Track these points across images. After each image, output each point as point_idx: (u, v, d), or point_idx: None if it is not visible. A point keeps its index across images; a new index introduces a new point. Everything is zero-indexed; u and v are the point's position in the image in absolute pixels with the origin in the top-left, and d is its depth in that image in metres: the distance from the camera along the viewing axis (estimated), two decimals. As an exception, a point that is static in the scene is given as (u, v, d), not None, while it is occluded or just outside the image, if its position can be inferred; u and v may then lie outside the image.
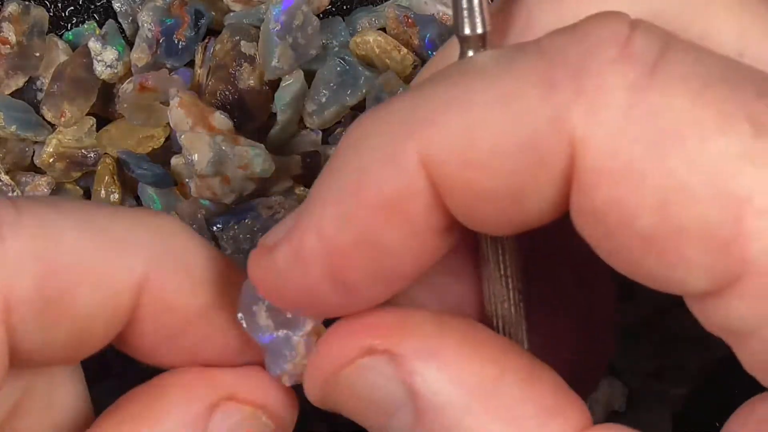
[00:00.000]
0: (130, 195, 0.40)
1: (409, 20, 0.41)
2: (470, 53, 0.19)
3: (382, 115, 0.18)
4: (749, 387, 0.20)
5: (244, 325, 0.20)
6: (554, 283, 0.23)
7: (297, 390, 0.22)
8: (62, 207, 0.19)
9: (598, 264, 0.17)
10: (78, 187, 0.40)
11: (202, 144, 0.36)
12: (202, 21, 0.41)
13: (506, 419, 0.18)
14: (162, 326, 0.20)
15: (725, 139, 0.15)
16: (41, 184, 0.38)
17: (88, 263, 0.19)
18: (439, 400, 0.18)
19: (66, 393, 0.22)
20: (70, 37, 0.42)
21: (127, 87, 0.39)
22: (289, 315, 0.20)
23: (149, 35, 0.40)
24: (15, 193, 0.37)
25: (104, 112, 0.41)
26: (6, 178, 0.37)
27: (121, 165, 0.39)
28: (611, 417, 0.38)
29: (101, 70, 0.40)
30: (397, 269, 0.18)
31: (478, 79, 0.17)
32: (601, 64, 0.16)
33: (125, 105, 0.39)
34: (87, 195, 0.40)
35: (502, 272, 0.20)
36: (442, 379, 0.18)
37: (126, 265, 0.19)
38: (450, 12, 0.43)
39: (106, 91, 0.41)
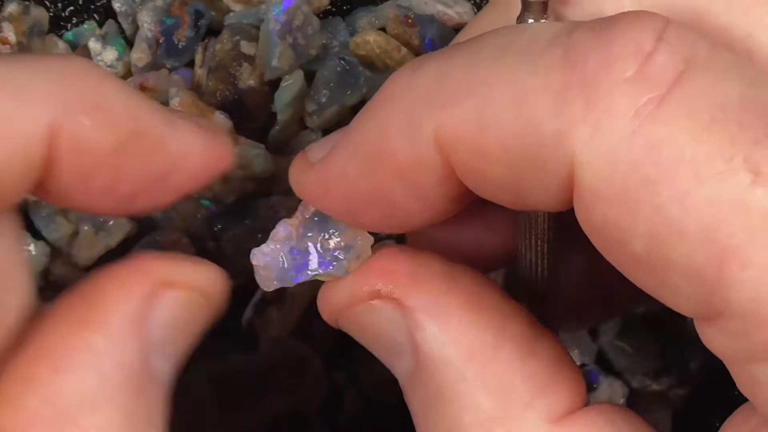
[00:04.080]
0: (130, 195, 0.40)
1: (409, 20, 0.41)
2: (530, 20, 0.19)
3: (413, 79, 0.18)
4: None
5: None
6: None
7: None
8: None
9: None
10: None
11: (202, 144, 0.36)
12: (202, 21, 0.41)
13: (495, 391, 0.18)
14: (78, 168, 0.20)
15: (720, 185, 0.15)
16: (41, 184, 0.38)
17: None
18: (437, 358, 0.19)
19: None
20: (70, 37, 0.42)
21: (127, 87, 0.39)
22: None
23: (149, 35, 0.40)
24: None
25: (104, 112, 0.41)
26: (6, 178, 0.37)
27: (121, 165, 0.39)
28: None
29: (101, 70, 0.40)
30: (408, 223, 0.20)
31: (502, 69, 0.17)
32: (615, 83, 0.16)
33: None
34: (87, 195, 0.40)
35: (543, 217, 0.21)
36: (442, 339, 0.19)
37: (31, 112, 0.19)
38: (449, 12, 0.43)
39: (106, 91, 0.41)
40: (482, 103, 0.17)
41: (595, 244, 0.17)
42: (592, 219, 0.16)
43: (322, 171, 0.20)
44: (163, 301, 0.20)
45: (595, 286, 0.24)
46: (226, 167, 0.22)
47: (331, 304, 0.21)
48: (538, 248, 0.21)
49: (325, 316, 0.21)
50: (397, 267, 0.20)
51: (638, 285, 0.17)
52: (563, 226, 0.21)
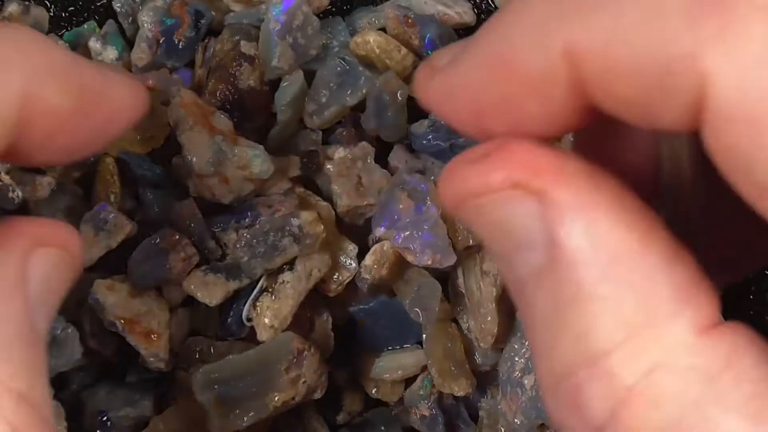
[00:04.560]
0: (130, 195, 0.40)
1: (409, 20, 0.41)
2: None
3: None
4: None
5: None
6: None
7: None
8: None
9: None
10: (78, 187, 0.40)
11: (202, 144, 0.36)
12: (202, 21, 0.41)
13: (639, 296, 0.18)
14: (43, 131, 0.22)
15: None
16: (42, 184, 0.38)
17: None
18: (577, 256, 0.18)
19: None
20: (70, 37, 0.42)
21: (127, 87, 0.39)
22: None
23: (149, 35, 0.40)
24: (15, 193, 0.37)
25: (104, 112, 0.41)
26: (6, 178, 0.37)
27: (121, 165, 0.39)
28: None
29: (101, 70, 0.40)
30: (532, 130, 0.19)
31: None
32: (751, 7, 0.16)
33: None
34: (87, 195, 0.40)
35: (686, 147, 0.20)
36: (586, 237, 0.18)
37: (5, 79, 0.21)
38: (449, 12, 0.43)
39: (106, 91, 0.41)
40: (613, 19, 0.17)
41: (720, 169, 0.17)
42: (718, 142, 0.16)
43: (447, 76, 0.20)
44: (39, 259, 0.22)
45: (731, 240, 0.23)
46: (146, 111, 0.25)
47: (455, 189, 0.20)
48: (680, 178, 0.21)
49: (444, 201, 0.20)
50: (540, 160, 0.19)
51: (762, 214, 0.17)
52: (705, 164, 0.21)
